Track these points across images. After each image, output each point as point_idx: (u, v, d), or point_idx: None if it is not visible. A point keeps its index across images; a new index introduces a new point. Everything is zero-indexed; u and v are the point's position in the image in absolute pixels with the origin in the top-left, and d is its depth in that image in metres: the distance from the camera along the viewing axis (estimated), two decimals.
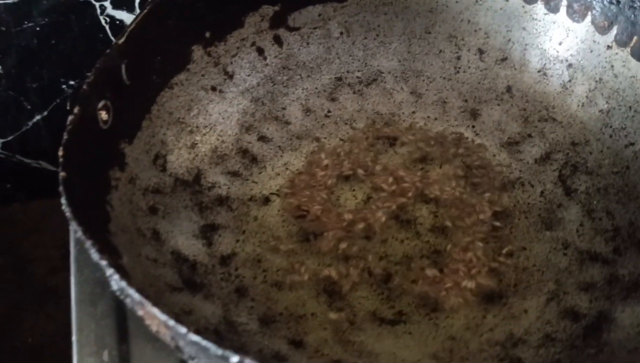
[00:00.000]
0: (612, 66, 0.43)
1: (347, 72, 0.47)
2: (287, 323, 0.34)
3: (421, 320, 0.35)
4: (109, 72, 0.34)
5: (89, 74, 0.32)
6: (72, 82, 0.57)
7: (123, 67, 0.34)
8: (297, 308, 0.35)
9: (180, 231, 0.37)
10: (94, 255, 0.25)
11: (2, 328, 0.60)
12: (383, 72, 0.47)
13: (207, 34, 0.41)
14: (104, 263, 0.25)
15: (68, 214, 0.27)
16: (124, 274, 0.26)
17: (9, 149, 0.60)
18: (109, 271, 0.24)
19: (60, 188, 0.28)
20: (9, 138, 0.60)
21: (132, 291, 0.24)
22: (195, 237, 0.37)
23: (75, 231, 0.26)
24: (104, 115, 0.32)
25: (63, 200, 0.27)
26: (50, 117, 0.59)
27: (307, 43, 0.46)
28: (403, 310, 0.35)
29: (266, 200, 0.41)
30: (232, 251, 0.37)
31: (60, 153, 0.29)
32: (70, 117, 0.30)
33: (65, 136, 0.30)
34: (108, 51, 0.34)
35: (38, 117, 0.59)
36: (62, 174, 0.28)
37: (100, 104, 0.32)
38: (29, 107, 0.58)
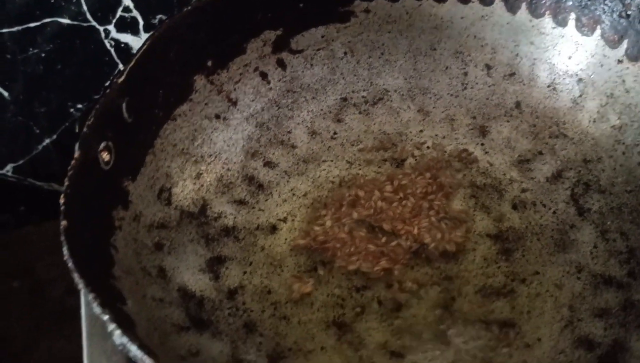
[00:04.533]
0: (624, 81, 0.42)
1: (353, 92, 0.46)
2: (296, 359, 0.34)
3: (432, 353, 0.34)
4: (109, 112, 0.33)
5: (89, 117, 0.32)
6: (79, 106, 0.57)
7: (124, 105, 0.34)
8: (306, 342, 0.35)
9: (186, 266, 0.36)
10: (96, 309, 0.25)
11: (19, 351, 0.61)
12: (389, 91, 0.46)
13: (209, 63, 0.41)
14: (105, 317, 0.25)
15: (70, 265, 0.26)
16: (127, 323, 0.26)
17: (20, 172, 0.61)
18: (111, 327, 0.24)
19: (62, 238, 0.27)
20: (20, 162, 0.60)
21: (134, 348, 0.24)
22: (202, 271, 0.37)
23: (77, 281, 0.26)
24: (105, 156, 0.32)
25: (65, 250, 0.27)
26: (59, 141, 0.59)
27: (311, 65, 0.45)
28: (413, 343, 0.35)
29: (273, 228, 0.40)
30: (240, 284, 0.37)
31: (61, 200, 0.29)
32: (71, 163, 0.30)
33: (66, 183, 0.29)
34: (108, 90, 0.33)
35: (47, 140, 0.59)
36: (63, 223, 0.28)
37: (102, 146, 0.32)
38: (38, 131, 0.58)
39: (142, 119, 0.36)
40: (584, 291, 0.37)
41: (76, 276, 0.26)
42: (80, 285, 0.26)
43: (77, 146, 0.32)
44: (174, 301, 0.34)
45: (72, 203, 0.29)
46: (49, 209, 0.63)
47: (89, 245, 0.30)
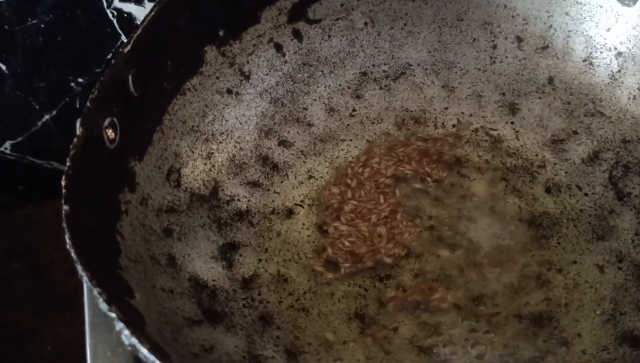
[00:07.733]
0: None
1: (373, 66, 0.43)
2: (316, 355, 0.31)
3: (463, 349, 0.32)
4: (114, 85, 0.30)
5: (93, 90, 0.29)
6: (80, 80, 0.54)
7: (130, 77, 0.31)
8: (326, 336, 0.32)
9: (197, 253, 0.34)
10: (102, 305, 0.22)
11: (21, 336, 0.59)
12: (412, 65, 0.43)
13: (221, 33, 0.38)
14: (113, 315, 0.22)
15: (73, 255, 0.24)
16: (136, 321, 0.23)
17: (19, 150, 0.58)
18: (119, 326, 0.22)
19: (64, 224, 0.25)
20: (19, 139, 0.58)
21: (144, 351, 0.21)
22: (215, 259, 0.34)
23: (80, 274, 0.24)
24: (110, 133, 0.29)
25: (67, 239, 0.24)
26: (59, 117, 0.56)
27: (329, 36, 0.42)
28: (441, 337, 0.32)
29: (289, 212, 0.38)
30: (255, 272, 0.35)
31: (63, 183, 0.26)
32: (73, 141, 0.27)
33: (67, 163, 0.27)
34: (113, 61, 0.30)
35: (47, 117, 0.56)
36: (65, 208, 0.25)
37: (106, 122, 0.29)
38: (38, 107, 0.56)
39: (149, 93, 0.33)
40: (626, 282, 0.34)
41: (80, 268, 0.23)
42: (85, 278, 0.23)
43: (79, 122, 0.29)
44: (185, 292, 0.31)
45: (75, 186, 0.26)
46: (49, 189, 0.61)
47: (93, 232, 0.27)
